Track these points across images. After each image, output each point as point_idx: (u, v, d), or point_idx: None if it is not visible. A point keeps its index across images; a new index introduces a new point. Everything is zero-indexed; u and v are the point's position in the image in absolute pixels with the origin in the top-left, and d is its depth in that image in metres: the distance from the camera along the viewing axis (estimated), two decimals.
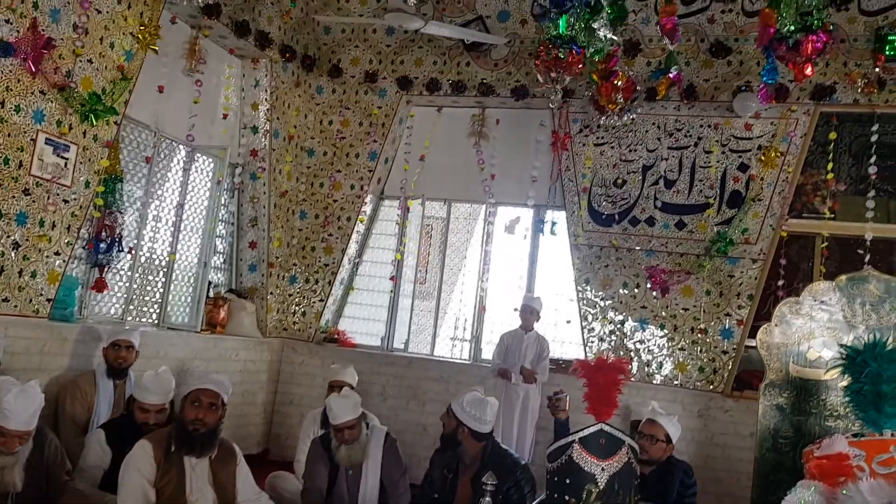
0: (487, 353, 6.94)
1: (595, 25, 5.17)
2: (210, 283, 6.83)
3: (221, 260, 7.13)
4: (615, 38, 5.36)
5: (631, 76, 6.19)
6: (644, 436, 4.20)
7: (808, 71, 4.90)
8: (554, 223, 6.90)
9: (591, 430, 3.52)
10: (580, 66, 4.95)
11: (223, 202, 6.92)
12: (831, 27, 4.86)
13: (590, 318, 6.62)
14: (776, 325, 4.54)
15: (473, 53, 7.09)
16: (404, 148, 7.45)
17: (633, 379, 6.30)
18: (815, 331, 4.47)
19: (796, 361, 4.47)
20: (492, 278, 7.21)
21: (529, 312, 6.43)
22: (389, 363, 7.04)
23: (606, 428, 3.53)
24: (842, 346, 3.82)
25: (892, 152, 6.20)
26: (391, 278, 7.40)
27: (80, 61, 4.79)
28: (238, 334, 6.81)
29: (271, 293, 7.23)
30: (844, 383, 3.86)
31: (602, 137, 6.74)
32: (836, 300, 4.45)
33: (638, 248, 6.53)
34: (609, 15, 5.20)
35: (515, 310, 6.49)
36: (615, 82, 5.95)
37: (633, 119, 6.41)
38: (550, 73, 4.95)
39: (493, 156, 7.13)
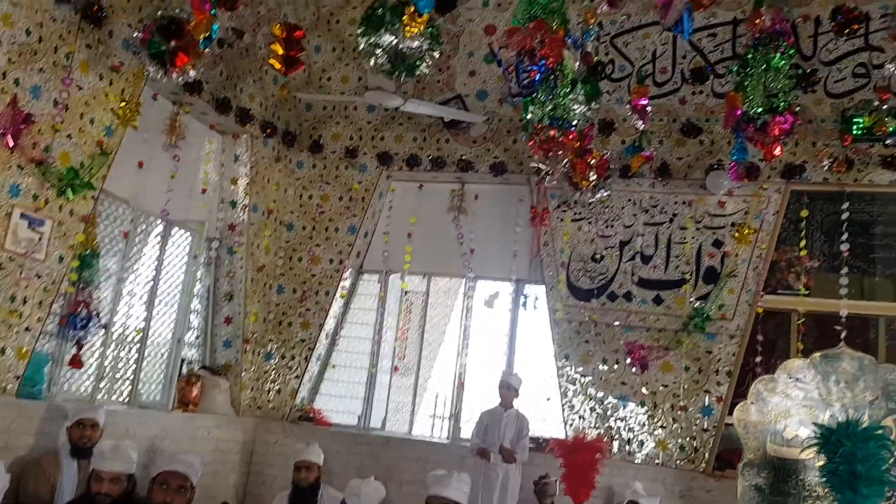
0: (467, 431, 6.90)
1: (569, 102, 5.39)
2: (183, 359, 6.80)
3: (195, 336, 7.12)
4: (589, 114, 5.57)
5: (605, 154, 6.39)
6: None
7: (777, 151, 5.15)
8: (535, 297, 7.00)
9: None
10: (576, 143, 5.11)
11: (199, 277, 6.96)
12: (797, 108, 5.12)
13: (570, 394, 6.63)
14: (752, 403, 4.61)
15: (453, 130, 7.32)
16: (384, 222, 7.58)
17: (613, 458, 6.30)
18: (792, 409, 4.53)
19: (773, 440, 4.51)
20: (471, 354, 7.24)
21: (508, 389, 6.44)
22: (366, 443, 6.98)
23: None
24: (816, 425, 3.88)
25: (863, 230, 6.38)
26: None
27: (59, 136, 4.90)
28: (211, 412, 6.74)
29: (246, 370, 7.20)
30: (821, 463, 3.90)
31: (579, 213, 6.90)
32: (811, 378, 4.53)
33: (617, 323, 6.62)
34: (583, 90, 5.41)
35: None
36: (589, 160, 6.16)
37: (607, 195, 6.58)
38: (548, 154, 5.10)
39: (472, 230, 7.26)
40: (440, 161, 7.23)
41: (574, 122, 4.65)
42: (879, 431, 3.94)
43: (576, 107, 5.35)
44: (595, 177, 6.25)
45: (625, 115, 6.77)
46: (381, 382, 7.42)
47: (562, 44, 4.86)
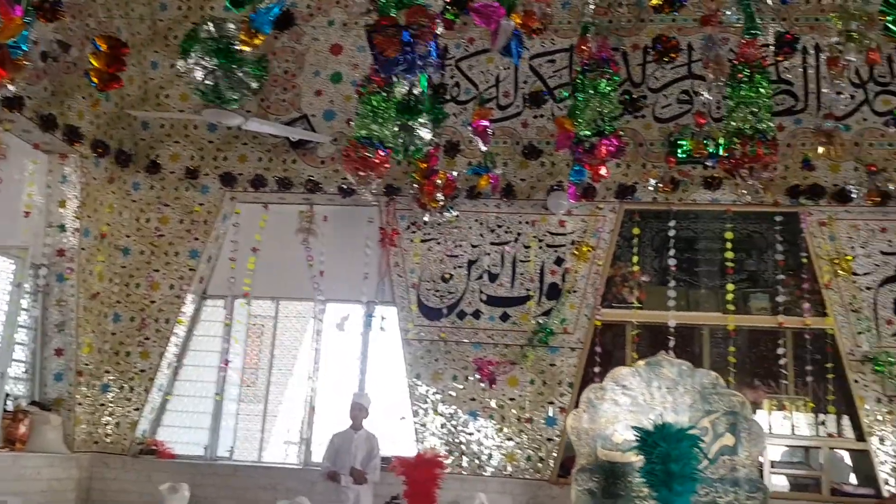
0: (319, 455, 6.89)
1: (414, 126, 5.56)
2: (8, 395, 6.41)
3: (22, 369, 6.71)
4: (434, 138, 5.77)
5: (451, 175, 6.62)
6: None
7: (603, 172, 5.52)
8: (382, 317, 7.11)
9: None
10: (386, 165, 5.24)
11: (25, 306, 6.59)
12: (621, 133, 5.53)
13: (421, 413, 6.77)
14: (584, 411, 4.91)
15: (300, 151, 7.32)
16: (230, 245, 7.44)
17: (463, 472, 6.51)
18: (620, 415, 4.87)
19: (604, 446, 4.83)
20: (323, 377, 7.24)
21: (359, 410, 6.49)
22: (213, 473, 6.80)
23: None
24: (635, 428, 4.21)
25: (688, 246, 6.95)
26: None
27: None
28: (41, 451, 6.37)
29: (80, 404, 6.84)
30: (640, 464, 4.22)
31: (429, 234, 7.09)
32: (636, 384, 4.89)
33: (466, 340, 6.83)
34: (429, 115, 5.60)
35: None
36: (436, 181, 6.36)
37: (456, 216, 6.81)
38: (359, 173, 5.22)
39: (321, 252, 7.27)
40: (287, 182, 7.21)
41: (387, 144, 4.77)
42: (691, 432, 4.32)
43: (420, 132, 5.54)
44: (443, 198, 6.46)
45: (471, 137, 7.05)
46: (229, 411, 7.26)
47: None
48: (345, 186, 7.08)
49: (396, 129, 5.32)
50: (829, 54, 5.03)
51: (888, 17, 4.09)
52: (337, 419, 6.91)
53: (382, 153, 5.11)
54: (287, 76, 7.41)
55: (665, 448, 3.93)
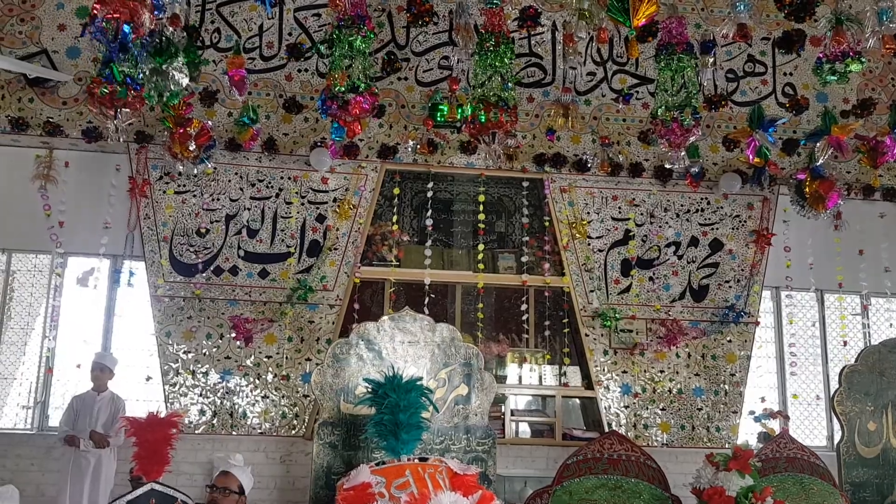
0: (57, 419, 6.42)
1: (167, 69, 5.20)
2: None
3: None
4: (191, 84, 5.44)
5: (206, 124, 6.32)
6: (217, 489, 4.22)
7: (357, 129, 5.53)
8: (132, 273, 6.70)
9: (141, 491, 3.48)
10: (139, 103, 4.89)
11: None
12: (376, 90, 5.54)
13: (171, 373, 6.50)
14: (329, 367, 4.95)
15: (38, 89, 6.64)
16: None
17: (217, 432, 6.37)
18: (363, 369, 4.97)
19: (346, 399, 4.91)
20: (63, 337, 6.71)
21: (101, 371, 6.20)
22: None
23: (157, 487, 3.51)
24: (366, 380, 4.30)
25: (445, 207, 7.23)
26: None
27: None
28: None
29: None
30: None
31: (184, 186, 6.75)
32: (380, 339, 5.01)
33: (222, 297, 6.63)
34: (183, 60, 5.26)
35: (78, 366, 6.18)
36: (189, 130, 6.04)
37: (213, 168, 6.54)
38: (107, 111, 4.82)
39: (62, 202, 6.68)
40: (22, 122, 6.53)
41: (140, 81, 4.46)
42: (419, 383, 4.50)
43: (175, 76, 5.20)
44: (195, 148, 6.15)
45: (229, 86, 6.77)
46: None
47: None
48: (91, 128, 6.53)
49: (148, 71, 4.97)
50: (566, 31, 5.38)
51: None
52: (79, 381, 6.48)
53: (134, 91, 4.74)
54: (25, 6, 6.68)
55: (394, 398, 4.07)
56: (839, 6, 4.53)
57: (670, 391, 6.91)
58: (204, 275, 6.65)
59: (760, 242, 7.13)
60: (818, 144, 4.98)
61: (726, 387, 6.98)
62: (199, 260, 6.66)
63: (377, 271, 6.86)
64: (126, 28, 4.56)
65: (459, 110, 6.27)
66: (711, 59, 5.11)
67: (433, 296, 6.74)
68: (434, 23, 6.75)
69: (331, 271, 6.75)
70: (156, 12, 4.90)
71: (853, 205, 7.19)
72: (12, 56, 6.48)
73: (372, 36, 5.51)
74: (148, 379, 6.60)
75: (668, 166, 5.62)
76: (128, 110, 4.49)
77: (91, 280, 6.70)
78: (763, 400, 7.21)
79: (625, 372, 6.90)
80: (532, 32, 6.97)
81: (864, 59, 4.32)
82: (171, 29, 5.05)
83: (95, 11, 4.29)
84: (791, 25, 5.33)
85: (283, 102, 6.81)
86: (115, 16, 4.36)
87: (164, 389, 6.47)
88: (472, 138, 6.06)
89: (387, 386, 4.09)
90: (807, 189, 5.29)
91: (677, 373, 6.95)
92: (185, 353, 6.53)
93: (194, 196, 6.75)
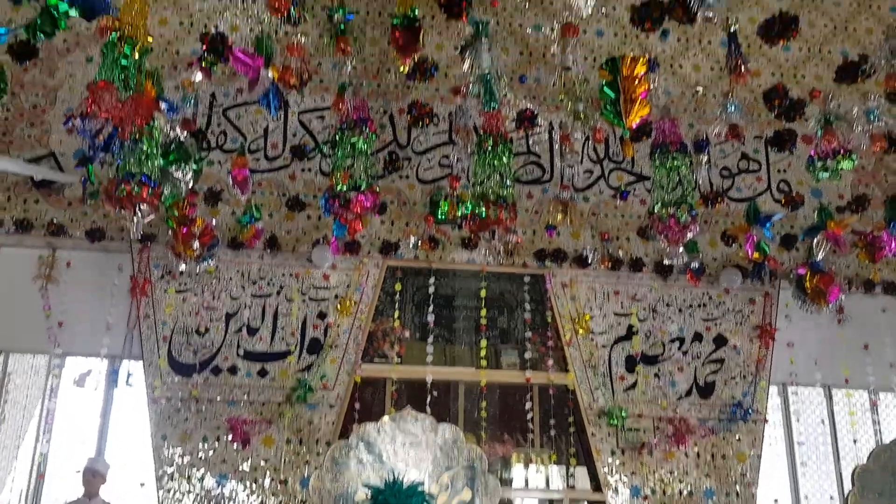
0: None
1: (170, 169, 5.33)
2: None
3: None
4: (194, 184, 5.57)
5: (210, 223, 6.40)
6: None
7: (359, 227, 5.61)
8: (130, 374, 6.63)
9: None
10: (156, 200, 4.96)
11: None
12: (378, 189, 5.66)
13: (166, 478, 6.34)
14: (328, 471, 4.84)
15: (44, 191, 6.78)
16: None
17: None
18: (363, 472, 4.86)
19: None
20: (56, 440, 6.59)
21: (93, 476, 6.08)
22: None
23: None
24: (366, 485, 4.20)
25: (447, 303, 7.24)
26: None
27: None
28: None
29: None
30: None
31: (185, 284, 6.79)
32: (381, 441, 4.92)
33: (219, 398, 6.55)
34: (173, 156, 5.39)
35: (78, 472, 6.03)
36: (193, 229, 6.13)
37: (214, 266, 6.60)
38: (123, 208, 4.88)
39: (62, 301, 6.71)
40: (27, 224, 6.63)
41: (153, 177, 4.55)
42: (421, 489, 4.39)
43: (177, 175, 5.33)
44: (199, 246, 6.23)
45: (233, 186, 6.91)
46: None
47: (150, 109, 4.81)
48: (95, 229, 6.63)
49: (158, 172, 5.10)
50: (563, 131, 5.55)
51: (604, 102, 4.57)
52: (72, 486, 6.33)
53: (151, 186, 4.82)
54: (36, 111, 6.92)
55: None
56: (828, 106, 4.68)
57: (681, 493, 6.73)
58: (202, 375, 6.60)
59: (764, 338, 7.10)
60: (815, 240, 5.05)
61: (738, 487, 6.79)
62: (198, 360, 6.63)
63: (379, 369, 6.81)
64: (114, 131, 4.71)
65: (460, 207, 6.37)
66: (705, 158, 5.24)
67: (435, 394, 6.66)
68: (434, 124, 6.96)
69: (331, 369, 6.70)
70: (169, 114, 5.09)
71: (855, 299, 7.21)
72: (20, 159, 6.65)
73: (374, 137, 5.69)
74: (142, 485, 6.44)
75: (667, 262, 5.67)
76: (146, 207, 4.57)
77: (88, 381, 6.64)
78: (776, 502, 7.02)
79: (633, 473, 6.73)
80: (530, 132, 7.17)
81: (854, 157, 4.43)
82: (182, 132, 5.22)
83: (89, 110, 4.41)
84: (782, 125, 5.50)
85: (286, 201, 6.94)
86: (105, 116, 4.49)
87: (159, 495, 6.30)
88: (473, 234, 6.15)
89: (387, 492, 4.00)
90: (807, 284, 5.32)
91: (687, 473, 6.78)
92: (180, 456, 6.39)
93: (195, 295, 6.78)
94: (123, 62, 4.72)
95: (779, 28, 4.55)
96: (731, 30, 4.68)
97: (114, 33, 4.40)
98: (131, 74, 4.74)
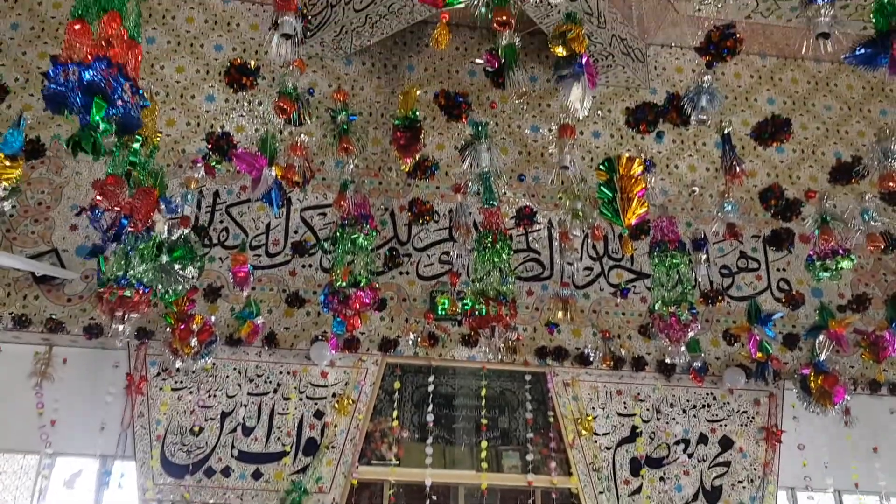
0: None
1: (173, 267, 5.37)
2: None
3: None
4: (194, 281, 5.59)
5: (209, 320, 6.40)
6: None
7: (357, 323, 5.61)
8: (122, 475, 6.47)
9: None
10: (147, 305, 4.99)
11: None
12: (377, 285, 5.69)
13: None
14: None
15: (44, 286, 6.80)
16: None
17: None
18: None
19: None
20: None
21: None
22: None
23: None
24: None
25: (447, 402, 7.13)
26: None
27: None
28: None
29: None
30: None
31: (181, 382, 6.71)
32: None
33: (212, 501, 6.36)
34: (174, 255, 5.45)
35: None
36: (191, 326, 6.11)
37: (212, 364, 6.54)
38: (115, 313, 4.91)
39: (56, 399, 6.61)
40: (25, 320, 6.62)
41: (146, 283, 4.60)
42: None
43: (178, 271, 5.37)
44: (197, 344, 6.20)
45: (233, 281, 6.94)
46: None
47: (154, 204, 4.89)
48: (93, 325, 6.61)
49: (155, 269, 5.14)
50: (562, 229, 5.61)
51: (602, 201, 4.64)
52: None
53: (142, 291, 4.87)
54: (41, 208, 7.02)
55: None
56: (823, 206, 4.76)
57: None
58: (195, 476, 6.43)
59: (770, 440, 6.96)
60: (818, 339, 5.03)
61: None
62: (191, 460, 6.48)
63: (376, 471, 6.64)
64: (124, 221, 4.78)
65: (460, 303, 6.39)
66: (704, 256, 5.29)
67: (434, 498, 6.48)
68: (435, 220, 7.09)
69: (327, 471, 6.53)
70: (169, 209, 5.17)
71: (861, 400, 7.10)
72: (23, 255, 6.70)
73: (374, 234, 5.78)
74: None
75: (670, 361, 5.63)
76: (137, 315, 4.60)
77: (79, 483, 6.47)
78: None
79: None
80: (529, 229, 7.26)
81: (853, 257, 4.47)
82: (184, 230, 5.28)
83: (98, 202, 4.48)
84: (779, 224, 5.57)
85: (285, 297, 6.95)
86: (115, 208, 4.56)
87: None
88: (473, 331, 6.13)
89: None
90: (812, 384, 5.26)
91: None
92: None
93: (191, 392, 6.70)
94: (133, 159, 4.87)
95: (772, 131, 4.69)
96: (725, 132, 4.81)
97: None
98: (141, 172, 4.88)
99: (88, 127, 3.07)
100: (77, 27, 3.15)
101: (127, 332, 4.52)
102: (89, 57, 3.10)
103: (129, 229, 4.63)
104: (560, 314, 6.21)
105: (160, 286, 5.26)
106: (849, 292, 7.47)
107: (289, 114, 4.78)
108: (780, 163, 8.04)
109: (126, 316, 4.66)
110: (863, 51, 3.33)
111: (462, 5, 3.39)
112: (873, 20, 3.32)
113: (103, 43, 3.18)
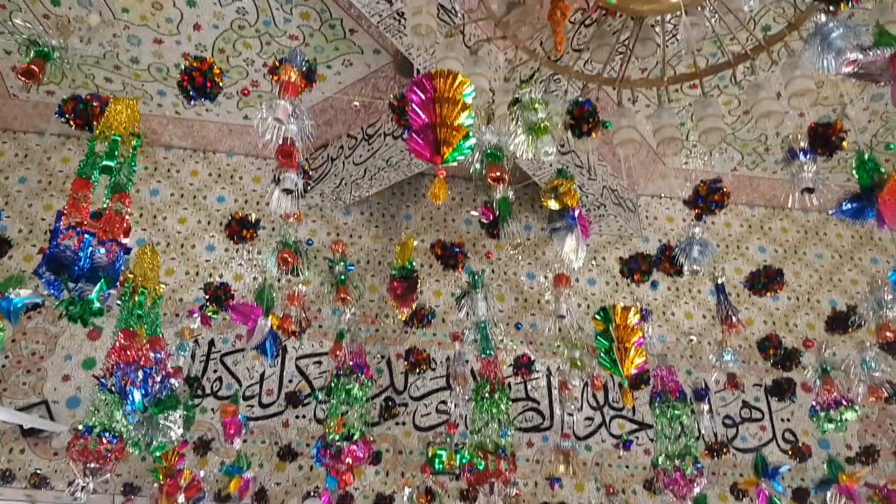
0: None
1: (163, 420, 5.26)
2: None
3: None
4: (183, 434, 5.47)
5: (197, 475, 6.19)
6: None
7: (349, 478, 5.43)
8: None
9: None
10: (119, 456, 4.84)
11: None
12: (372, 438, 5.56)
13: None
14: None
15: (31, 439, 6.63)
16: None
17: None
18: None
19: None
20: None
21: None
22: None
23: None
24: None
25: None
26: None
27: None
28: None
29: None
30: None
31: None
32: None
33: None
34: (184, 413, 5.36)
35: None
36: (179, 481, 5.91)
37: None
38: (88, 466, 4.77)
39: None
40: (9, 475, 6.40)
41: (117, 434, 4.48)
42: None
43: (168, 424, 5.26)
44: (184, 500, 5.97)
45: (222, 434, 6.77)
46: None
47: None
48: (77, 482, 6.36)
49: (138, 423, 5.03)
50: (561, 377, 5.56)
51: (600, 349, 4.63)
52: None
53: (112, 444, 4.75)
54: (34, 358, 6.95)
55: None
56: (822, 355, 4.74)
57: None
58: None
59: None
60: (829, 494, 4.86)
61: None
62: None
63: None
64: (147, 372, 4.73)
65: (458, 456, 6.21)
66: (707, 407, 5.21)
67: None
68: (432, 369, 7.03)
69: None
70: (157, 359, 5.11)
71: None
72: (12, 406, 6.58)
73: (370, 384, 5.71)
74: None
75: None
76: (108, 471, 4.45)
77: None
78: None
79: None
80: (527, 378, 7.18)
81: (857, 408, 4.40)
82: (174, 381, 5.22)
83: (112, 359, 4.44)
84: (780, 373, 5.53)
85: (278, 450, 6.76)
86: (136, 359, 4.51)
87: None
88: (471, 486, 5.92)
89: None
90: None
91: None
92: None
93: None
94: (139, 312, 4.89)
95: (764, 281, 4.75)
96: (719, 282, 4.88)
97: (127, 283, 4.58)
98: (147, 323, 4.88)
99: (84, 302, 3.11)
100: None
101: (104, 482, 4.34)
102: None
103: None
104: (562, 468, 6.03)
105: (145, 438, 5.14)
106: (856, 443, 7.30)
107: (290, 266, 4.86)
108: (775, 310, 8.09)
109: (100, 469, 4.50)
110: (850, 205, 3.45)
111: (456, 164, 3.53)
112: (856, 176, 3.46)
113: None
